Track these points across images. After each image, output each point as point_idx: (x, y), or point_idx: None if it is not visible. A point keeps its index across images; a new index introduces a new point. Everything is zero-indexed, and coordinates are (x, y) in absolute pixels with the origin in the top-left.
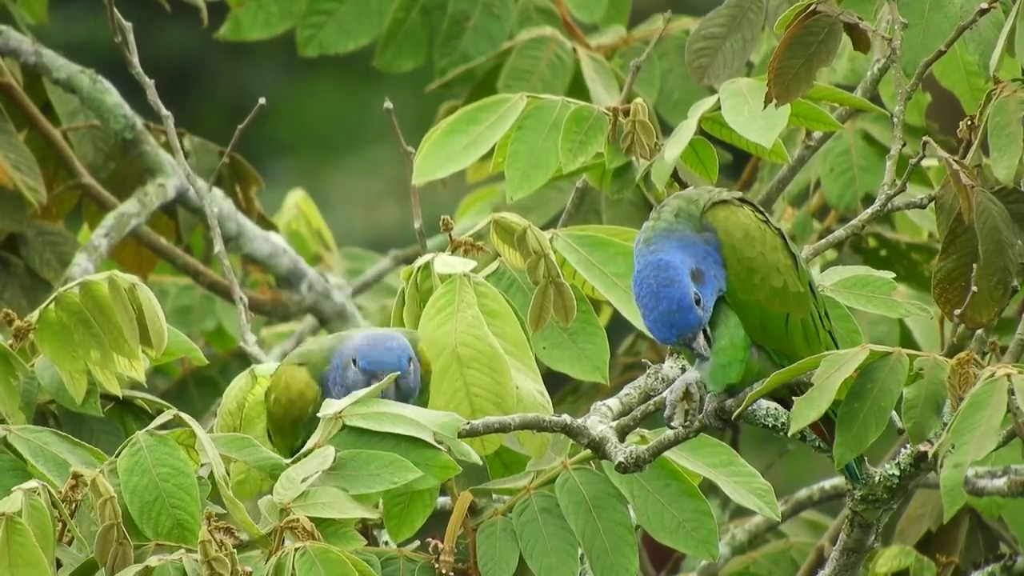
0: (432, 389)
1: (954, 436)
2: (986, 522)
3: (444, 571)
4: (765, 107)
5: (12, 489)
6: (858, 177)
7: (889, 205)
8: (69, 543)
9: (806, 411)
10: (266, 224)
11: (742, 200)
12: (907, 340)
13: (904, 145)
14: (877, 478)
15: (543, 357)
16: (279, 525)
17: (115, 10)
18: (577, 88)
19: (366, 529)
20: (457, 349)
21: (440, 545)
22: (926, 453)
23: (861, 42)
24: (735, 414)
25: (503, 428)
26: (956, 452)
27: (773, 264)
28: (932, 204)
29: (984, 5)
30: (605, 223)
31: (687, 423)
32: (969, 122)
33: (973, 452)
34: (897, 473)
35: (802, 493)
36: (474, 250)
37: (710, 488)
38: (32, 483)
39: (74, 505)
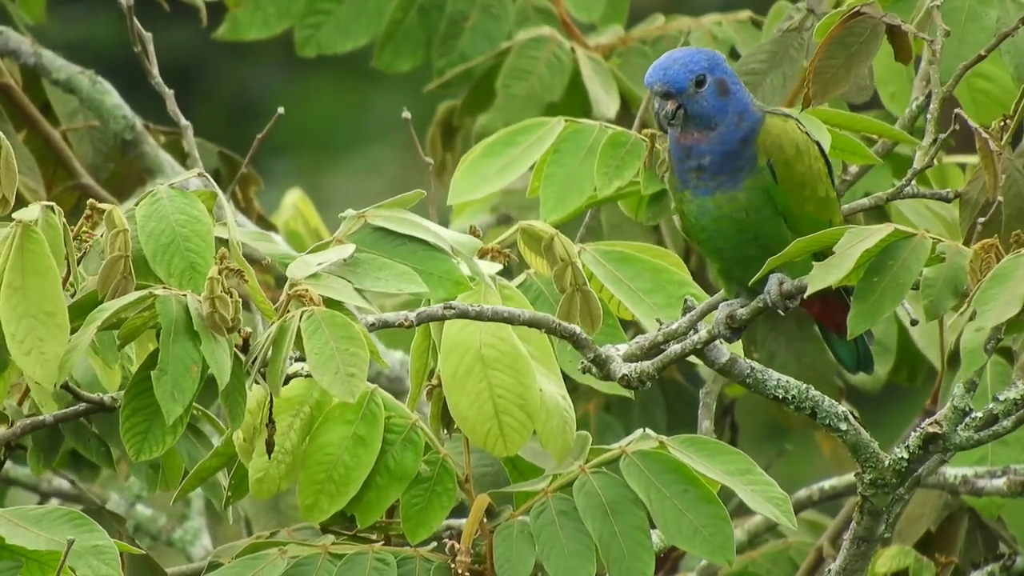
0: (455, 389)
1: (976, 304)
2: (985, 522)
3: (460, 571)
4: (802, 110)
5: (29, 204)
6: None
7: (915, 190)
8: (72, 296)
9: (824, 275)
10: (265, 224)
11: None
12: (905, 341)
13: (934, 140)
14: (887, 462)
15: (567, 368)
16: (288, 294)
17: (135, 20)
18: (576, 88)
19: (387, 539)
20: (481, 350)
21: (456, 546)
22: (935, 435)
23: (902, 50)
24: (745, 321)
25: (511, 319)
26: (979, 317)
27: (817, 174)
28: (957, 200)
29: None
30: (604, 222)
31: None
32: (1003, 121)
33: (995, 316)
34: (906, 456)
35: (801, 493)
36: (500, 256)
37: None
38: (49, 203)
39: (81, 253)
